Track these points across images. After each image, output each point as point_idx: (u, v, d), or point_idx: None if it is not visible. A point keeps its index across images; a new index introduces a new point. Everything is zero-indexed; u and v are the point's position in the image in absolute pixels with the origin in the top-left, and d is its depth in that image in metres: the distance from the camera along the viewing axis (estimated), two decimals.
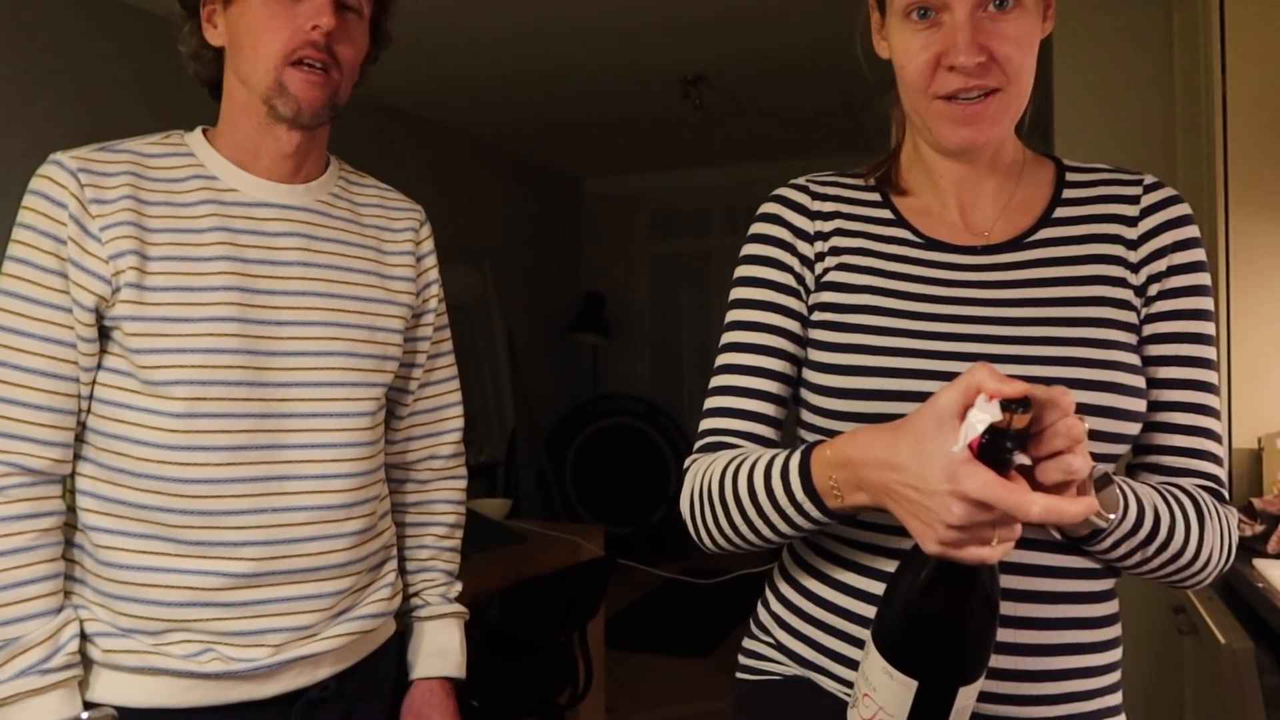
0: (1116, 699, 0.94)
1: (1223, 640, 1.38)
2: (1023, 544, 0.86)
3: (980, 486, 0.67)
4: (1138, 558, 0.86)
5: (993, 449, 0.67)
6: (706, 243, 6.46)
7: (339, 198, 1.20)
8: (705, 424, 1.01)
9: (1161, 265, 0.93)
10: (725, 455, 0.94)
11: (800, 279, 1.00)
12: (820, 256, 1.00)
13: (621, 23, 3.62)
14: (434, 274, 1.28)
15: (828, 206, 1.02)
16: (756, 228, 1.04)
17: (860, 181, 1.04)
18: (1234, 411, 1.97)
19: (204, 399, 1.05)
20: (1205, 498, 0.90)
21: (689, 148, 5.66)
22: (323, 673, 1.13)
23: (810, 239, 1.00)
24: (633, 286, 6.60)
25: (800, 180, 1.05)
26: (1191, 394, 0.92)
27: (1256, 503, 1.74)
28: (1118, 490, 0.83)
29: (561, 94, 4.48)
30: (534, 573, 2.52)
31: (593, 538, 2.99)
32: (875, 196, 1.02)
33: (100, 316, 1.05)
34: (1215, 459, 0.92)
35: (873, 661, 0.77)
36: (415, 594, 1.30)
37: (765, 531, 0.90)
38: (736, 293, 1.03)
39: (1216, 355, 0.94)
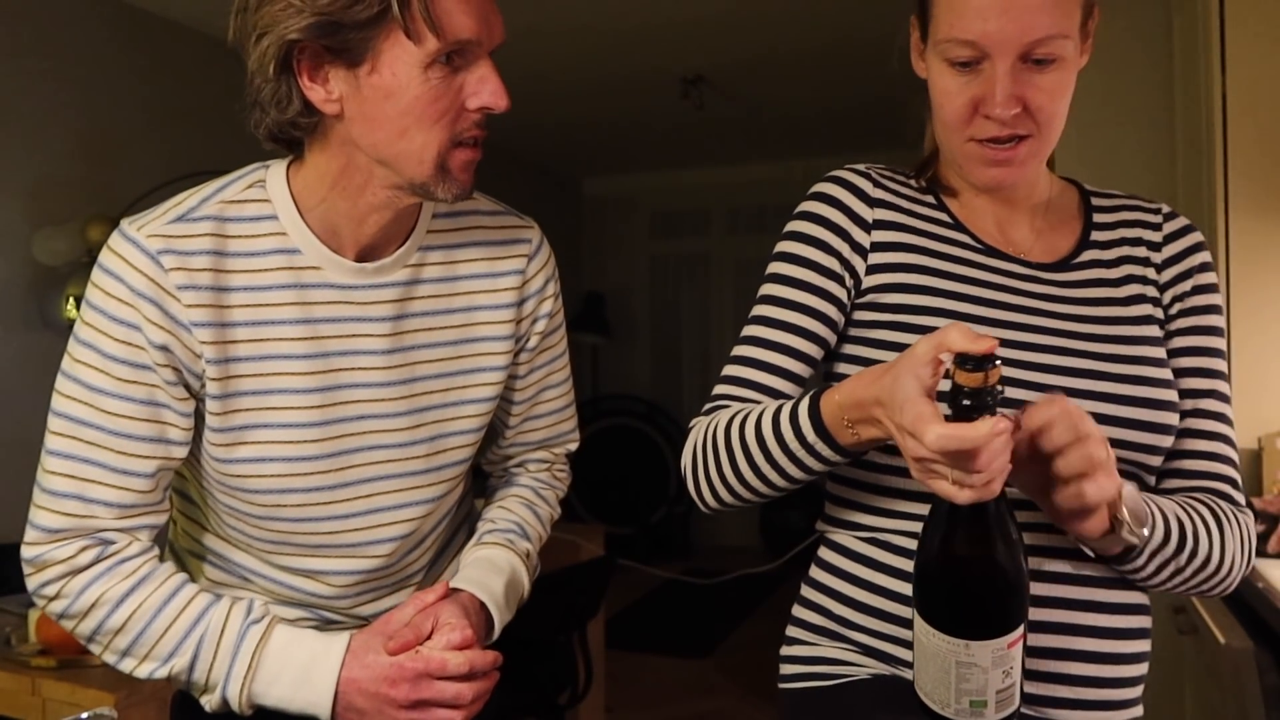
0: (1139, 707, 0.97)
1: (1223, 640, 1.38)
2: (1050, 552, 0.92)
3: (909, 420, 0.74)
4: (1171, 569, 0.89)
5: (952, 402, 0.73)
6: (706, 243, 6.46)
7: (433, 249, 1.06)
8: (719, 389, 1.02)
9: (1187, 286, 1.00)
10: (729, 410, 0.97)
11: (848, 265, 1.00)
12: (877, 247, 1.00)
13: (621, 23, 3.62)
14: (545, 307, 1.14)
15: (889, 198, 1.02)
16: (812, 207, 1.03)
17: (913, 181, 1.05)
18: (1234, 411, 1.97)
19: (282, 505, 1.01)
20: (1220, 504, 0.95)
21: (689, 148, 5.65)
22: None
23: (868, 227, 1.00)
24: (633, 286, 6.60)
25: (862, 167, 1.04)
26: (1210, 403, 0.99)
27: (1256, 503, 1.74)
28: (1146, 507, 0.86)
29: (561, 94, 4.47)
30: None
31: (593, 538, 3.00)
32: (930, 198, 1.03)
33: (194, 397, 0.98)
34: (1233, 463, 0.99)
35: (921, 630, 0.80)
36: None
37: (770, 475, 0.92)
38: (777, 268, 1.03)
39: (1228, 367, 1.02)
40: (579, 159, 6.05)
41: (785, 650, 1.06)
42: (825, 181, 1.04)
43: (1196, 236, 1.02)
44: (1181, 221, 1.03)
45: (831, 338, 1.00)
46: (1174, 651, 2.24)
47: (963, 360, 0.71)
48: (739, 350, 1.02)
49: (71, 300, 2.86)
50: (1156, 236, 1.02)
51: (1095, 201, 1.05)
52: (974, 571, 0.77)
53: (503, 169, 5.54)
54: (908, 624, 0.94)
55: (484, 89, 0.92)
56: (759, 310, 1.02)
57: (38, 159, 2.96)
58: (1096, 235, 1.02)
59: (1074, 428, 0.77)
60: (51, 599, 0.96)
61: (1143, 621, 0.96)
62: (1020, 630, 0.78)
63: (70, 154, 3.06)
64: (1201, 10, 2.06)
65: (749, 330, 1.02)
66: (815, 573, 1.05)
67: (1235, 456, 0.99)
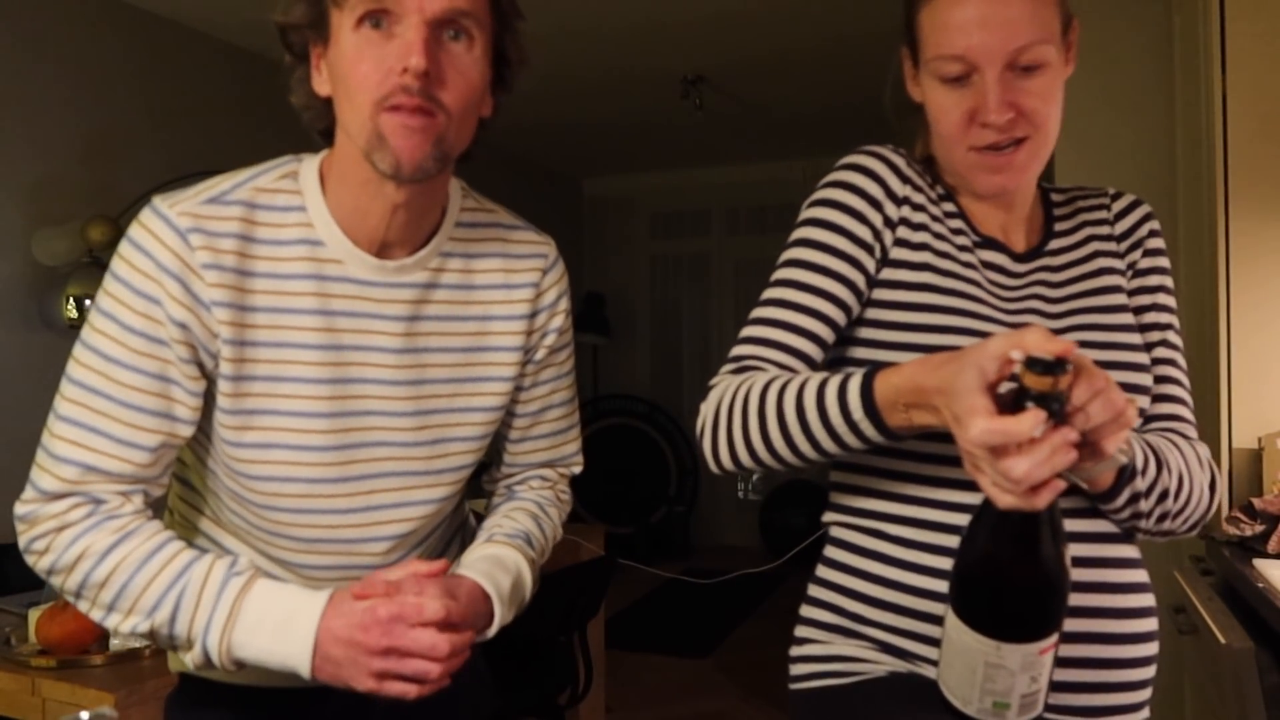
0: (1149, 689, 1.00)
1: (1223, 640, 1.38)
2: (1082, 537, 0.96)
3: (962, 409, 0.74)
4: (1157, 493, 0.94)
5: (1015, 404, 0.72)
6: (706, 243, 6.46)
7: (453, 256, 1.08)
8: (741, 349, 1.02)
9: (1138, 254, 1.10)
10: (764, 374, 0.97)
11: (879, 236, 1.02)
12: (904, 223, 1.03)
13: (621, 23, 3.62)
14: (556, 321, 1.15)
15: (916, 179, 1.05)
16: (847, 176, 1.04)
17: (926, 175, 1.09)
18: (1234, 411, 1.97)
19: (283, 494, 1.02)
20: (1171, 436, 1.02)
21: (689, 148, 5.65)
22: None
23: (899, 202, 1.03)
24: (633, 286, 6.60)
25: (891, 146, 1.07)
26: (1163, 350, 1.07)
27: (1256, 503, 1.74)
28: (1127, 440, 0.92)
29: (561, 94, 4.48)
30: None
31: (593, 538, 3.00)
32: (939, 188, 1.07)
33: (206, 376, 0.99)
34: (1186, 403, 1.07)
35: (953, 625, 0.79)
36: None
37: (803, 445, 0.92)
38: (806, 233, 1.03)
39: (1178, 320, 1.11)
40: (579, 159, 6.05)
41: (795, 650, 1.06)
42: (860, 154, 1.05)
43: (1145, 209, 1.12)
44: (1129, 199, 1.13)
45: (856, 306, 1.01)
46: (1174, 651, 2.24)
47: (1032, 363, 0.70)
48: (764, 311, 1.02)
49: (72, 300, 2.86)
50: (1109, 215, 1.12)
51: (1053, 197, 1.14)
52: (1015, 575, 0.76)
53: (503, 169, 5.54)
54: (925, 618, 0.94)
55: (402, 48, 0.92)
56: (787, 273, 1.03)
57: (38, 159, 2.96)
58: (1059, 225, 1.11)
59: (1092, 384, 0.76)
60: (41, 553, 0.97)
61: (1147, 600, 0.99)
62: (1054, 638, 0.77)
63: (70, 154, 3.06)
64: (1201, 10, 2.07)
65: (776, 292, 1.02)
66: (823, 571, 1.05)
67: (1188, 397, 1.07)
